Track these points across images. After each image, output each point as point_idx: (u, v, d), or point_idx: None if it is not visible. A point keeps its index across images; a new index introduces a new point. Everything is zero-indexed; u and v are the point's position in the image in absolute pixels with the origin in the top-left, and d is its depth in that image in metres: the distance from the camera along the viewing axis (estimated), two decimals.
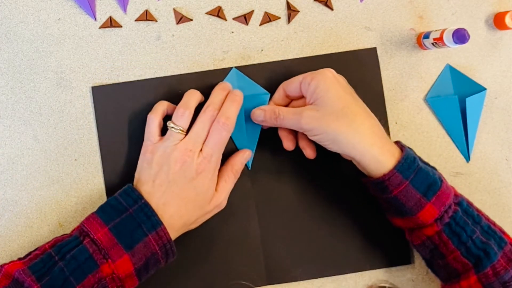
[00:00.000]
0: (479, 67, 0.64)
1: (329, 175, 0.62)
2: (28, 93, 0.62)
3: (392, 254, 0.62)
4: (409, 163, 0.55)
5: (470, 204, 0.57)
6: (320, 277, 0.62)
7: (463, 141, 0.63)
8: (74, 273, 0.51)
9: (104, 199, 0.61)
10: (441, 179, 0.56)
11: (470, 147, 0.64)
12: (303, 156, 0.61)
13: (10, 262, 0.53)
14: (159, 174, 0.55)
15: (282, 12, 0.63)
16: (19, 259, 0.54)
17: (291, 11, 0.63)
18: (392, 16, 0.64)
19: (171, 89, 0.62)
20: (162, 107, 0.59)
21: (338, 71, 0.61)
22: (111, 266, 0.52)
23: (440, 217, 0.55)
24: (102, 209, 0.55)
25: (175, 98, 0.60)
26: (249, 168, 0.62)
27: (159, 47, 0.62)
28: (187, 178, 0.55)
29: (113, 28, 0.62)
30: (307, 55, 0.63)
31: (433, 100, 0.63)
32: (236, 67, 0.62)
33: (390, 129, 0.63)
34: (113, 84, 0.62)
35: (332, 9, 0.64)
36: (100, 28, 0.62)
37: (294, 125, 0.57)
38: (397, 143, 0.57)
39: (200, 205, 0.57)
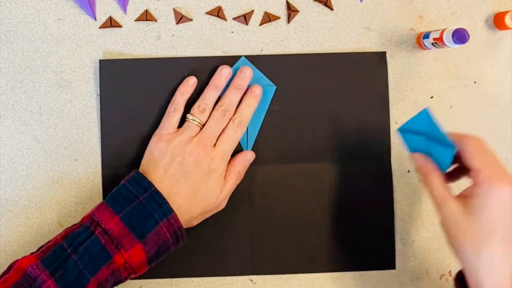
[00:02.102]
0: (479, 67, 0.64)
1: (325, 177, 0.62)
2: (28, 93, 0.62)
3: (376, 258, 0.62)
4: None
5: None
6: (304, 272, 0.62)
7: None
8: (88, 266, 0.51)
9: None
10: None
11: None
12: (302, 153, 0.62)
13: (23, 257, 0.53)
14: (172, 164, 0.56)
15: (282, 12, 0.63)
16: (32, 253, 0.53)
17: (291, 11, 0.63)
18: (392, 16, 0.64)
19: (180, 70, 0.61)
20: (183, 101, 0.59)
21: (345, 71, 0.61)
22: (124, 256, 0.52)
23: None
24: (112, 198, 0.54)
25: (182, 81, 0.60)
26: None
27: (159, 47, 0.62)
28: (200, 171, 0.56)
29: (113, 28, 0.62)
30: (303, 53, 0.63)
31: (404, 134, 0.57)
32: (245, 56, 0.62)
33: (390, 129, 0.63)
34: (121, 59, 0.61)
35: (332, 9, 0.64)
36: (100, 28, 0.62)
37: (433, 200, 0.53)
38: None
39: (206, 201, 0.57)
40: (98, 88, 0.62)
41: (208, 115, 0.59)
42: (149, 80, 0.61)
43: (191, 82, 0.60)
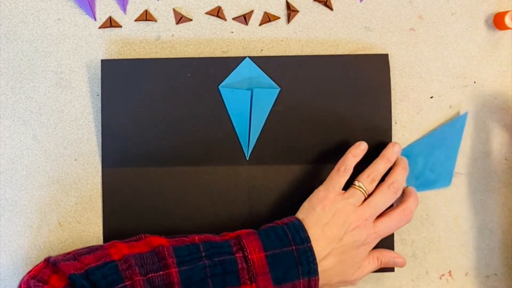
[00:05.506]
0: (479, 67, 0.64)
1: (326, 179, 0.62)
2: (28, 93, 0.62)
3: None
4: None
5: None
6: None
7: None
8: (215, 278, 0.51)
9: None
10: None
11: None
12: (304, 154, 0.62)
13: (154, 235, 0.54)
14: (331, 226, 0.55)
15: (281, 12, 0.63)
16: (162, 236, 0.54)
17: (291, 11, 0.63)
18: (392, 16, 0.64)
19: (181, 71, 0.61)
20: (354, 163, 0.59)
21: (348, 73, 0.61)
22: None
23: None
24: (265, 233, 0.54)
25: (185, 81, 0.60)
26: (247, 158, 0.62)
27: (158, 47, 0.62)
28: (355, 244, 0.55)
29: (112, 28, 0.62)
30: (307, 55, 0.63)
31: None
32: (249, 57, 0.62)
33: (392, 130, 0.63)
34: (123, 59, 0.61)
35: (331, 9, 0.64)
36: (99, 28, 0.62)
37: None
38: None
39: (346, 274, 0.57)
40: (98, 88, 0.62)
41: (375, 187, 0.58)
42: (150, 81, 0.61)
43: (362, 147, 0.59)
